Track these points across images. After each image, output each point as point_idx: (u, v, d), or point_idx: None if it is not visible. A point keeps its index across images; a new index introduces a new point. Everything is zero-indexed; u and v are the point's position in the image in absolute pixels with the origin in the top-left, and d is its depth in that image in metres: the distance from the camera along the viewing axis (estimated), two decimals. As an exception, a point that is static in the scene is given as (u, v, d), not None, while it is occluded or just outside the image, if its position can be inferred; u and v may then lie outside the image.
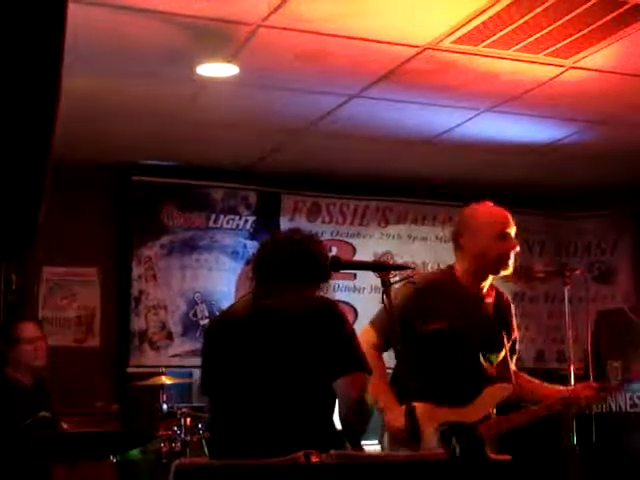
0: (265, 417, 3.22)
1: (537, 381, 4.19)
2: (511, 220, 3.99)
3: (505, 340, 4.00)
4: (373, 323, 3.95)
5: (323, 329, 3.22)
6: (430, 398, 3.70)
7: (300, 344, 3.21)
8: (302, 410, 3.21)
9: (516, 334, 4.16)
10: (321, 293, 3.46)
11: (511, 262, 3.95)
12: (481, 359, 3.91)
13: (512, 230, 3.96)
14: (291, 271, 3.36)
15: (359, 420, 3.24)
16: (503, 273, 3.99)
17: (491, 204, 4.08)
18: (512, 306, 4.22)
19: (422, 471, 2.58)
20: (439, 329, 3.82)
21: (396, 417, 3.56)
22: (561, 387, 4.11)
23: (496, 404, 3.88)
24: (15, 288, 6.43)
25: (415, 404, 3.21)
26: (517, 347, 4.15)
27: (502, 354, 3.98)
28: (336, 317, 3.29)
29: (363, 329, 3.96)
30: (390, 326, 3.24)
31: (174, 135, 6.27)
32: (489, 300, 4.02)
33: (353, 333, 3.29)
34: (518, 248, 3.96)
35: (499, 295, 4.13)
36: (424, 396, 3.58)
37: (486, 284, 3.99)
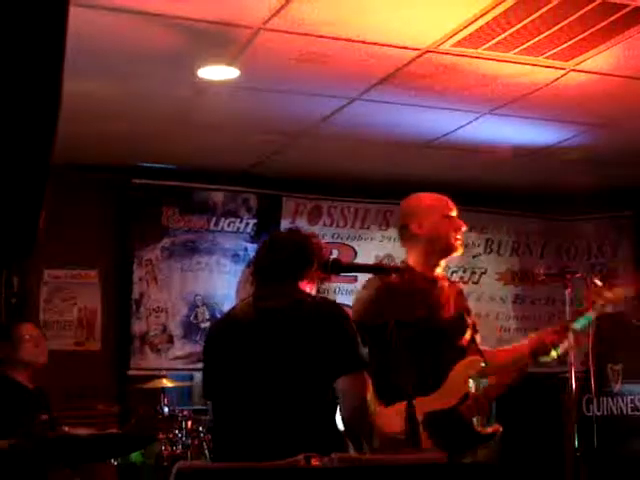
0: (268, 419, 3.21)
1: (507, 348, 4.13)
2: (452, 203, 4.12)
3: (468, 320, 3.97)
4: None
5: (325, 329, 3.23)
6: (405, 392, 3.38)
7: (302, 345, 3.21)
8: (304, 411, 3.21)
9: (473, 317, 4.08)
10: (323, 295, 3.48)
11: (460, 243, 4.00)
12: (450, 342, 3.83)
13: (455, 213, 4.07)
14: (289, 270, 3.36)
15: (361, 420, 3.24)
16: (455, 254, 4.03)
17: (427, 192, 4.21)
18: (463, 291, 4.20)
19: (423, 474, 2.58)
20: (407, 320, 3.56)
21: (389, 421, 3.45)
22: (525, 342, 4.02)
23: (469, 378, 3.76)
24: (16, 291, 6.44)
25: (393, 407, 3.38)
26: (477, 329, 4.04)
27: (468, 334, 3.92)
28: (338, 317, 3.29)
29: None
30: (393, 326, 3.24)
31: (175, 138, 6.27)
32: (445, 284, 4.00)
33: (355, 333, 3.30)
34: (465, 228, 4.06)
35: (450, 282, 4.13)
36: (400, 392, 3.35)
37: (439, 270, 3.98)
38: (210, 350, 3.48)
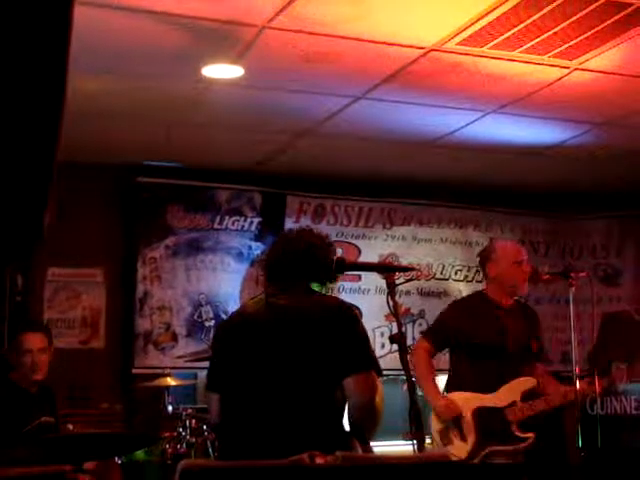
0: (274, 415, 3.22)
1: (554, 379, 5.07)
2: (523, 249, 5.07)
3: (532, 342, 4.91)
4: (424, 333, 5.15)
5: (336, 329, 3.23)
6: (470, 389, 4.75)
7: (312, 343, 3.22)
8: (310, 409, 3.21)
9: (541, 341, 5.13)
10: (328, 293, 3.50)
11: (526, 285, 4.91)
12: (512, 357, 4.79)
13: (525, 258, 4.95)
14: (301, 270, 3.37)
15: (368, 420, 3.24)
16: (521, 294, 4.98)
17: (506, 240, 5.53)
18: (537, 315, 5.18)
19: (427, 472, 2.58)
20: (479, 336, 4.79)
21: (438, 400, 4.78)
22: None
23: (522, 393, 4.72)
24: (21, 289, 6.44)
25: (455, 394, 4.76)
26: (544, 349, 5.21)
27: (529, 353, 4.88)
28: (349, 318, 3.30)
29: (417, 340, 5.29)
30: (398, 326, 3.25)
31: (179, 136, 6.27)
32: (515, 311, 4.94)
33: (365, 334, 3.30)
34: (529, 269, 4.90)
35: (525, 307, 5.11)
36: (466, 387, 4.76)
37: (510, 299, 4.95)
38: (221, 344, 3.48)
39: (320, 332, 3.22)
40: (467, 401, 4.74)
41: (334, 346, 3.19)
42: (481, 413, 4.70)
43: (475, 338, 4.80)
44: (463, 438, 4.69)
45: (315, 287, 3.40)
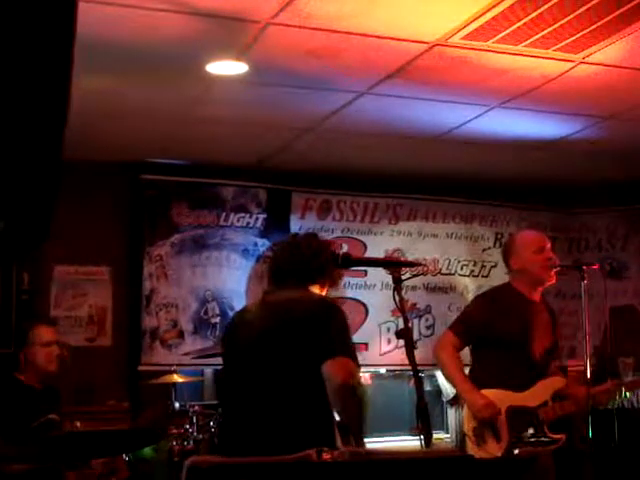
0: (257, 408, 3.29)
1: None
2: (543, 236, 4.98)
3: (556, 338, 4.95)
4: (450, 327, 4.95)
5: (316, 320, 3.35)
6: (498, 385, 4.65)
7: (294, 335, 3.34)
8: (293, 400, 3.27)
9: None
10: (332, 292, 3.61)
11: (552, 273, 4.81)
12: (538, 354, 4.77)
13: (547, 246, 4.88)
14: (301, 275, 3.48)
15: (347, 405, 3.25)
16: (548, 284, 4.88)
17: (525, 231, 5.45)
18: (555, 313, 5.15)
19: (435, 468, 2.58)
20: (506, 331, 4.70)
21: (478, 398, 4.61)
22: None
23: (553, 393, 4.70)
24: (27, 287, 6.45)
25: (486, 391, 4.60)
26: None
27: (554, 350, 4.91)
28: (330, 310, 3.42)
29: (443, 334, 5.06)
30: (405, 321, 3.26)
31: (184, 133, 6.28)
32: (542, 306, 4.91)
33: (345, 325, 3.38)
34: (552, 257, 4.84)
35: (546, 303, 5.03)
36: (492, 384, 4.66)
37: (538, 294, 4.89)
38: (222, 342, 3.70)
39: (301, 324, 3.34)
40: (500, 399, 4.64)
41: (313, 335, 3.29)
42: (514, 412, 4.62)
43: (502, 332, 4.70)
44: (497, 437, 4.60)
45: (316, 288, 3.54)
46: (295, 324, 3.35)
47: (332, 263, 3.53)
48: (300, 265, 3.51)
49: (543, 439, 4.59)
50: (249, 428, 3.30)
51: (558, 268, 4.84)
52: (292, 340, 3.33)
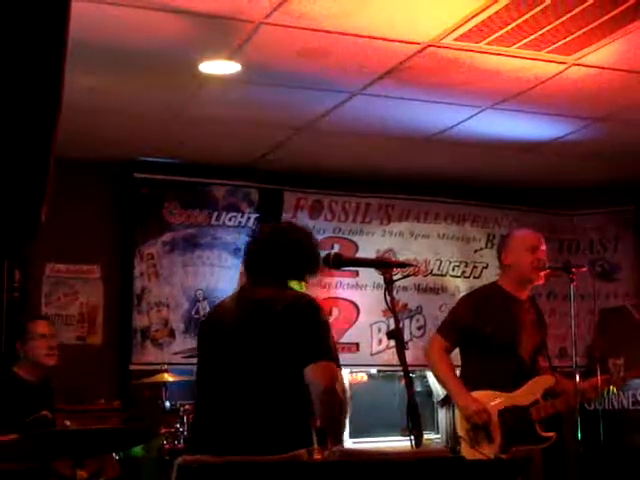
0: (233, 408, 3.25)
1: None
2: (540, 237, 4.91)
3: (544, 337, 4.91)
4: (438, 330, 4.92)
5: (296, 320, 3.27)
6: (488, 386, 4.65)
7: (273, 335, 3.26)
8: (271, 401, 3.23)
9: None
10: (318, 288, 3.53)
11: (542, 273, 4.78)
12: (526, 353, 4.76)
13: (541, 247, 4.83)
14: (277, 265, 3.41)
15: (330, 410, 3.23)
16: (537, 283, 4.85)
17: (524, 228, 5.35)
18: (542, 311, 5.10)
19: (424, 469, 2.58)
20: (493, 331, 4.69)
21: (470, 404, 4.58)
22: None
23: (543, 392, 4.69)
24: (18, 285, 6.44)
25: (477, 392, 4.59)
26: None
27: (542, 349, 4.88)
28: (309, 309, 3.33)
29: (432, 337, 5.04)
30: (396, 322, 3.26)
31: (176, 132, 6.27)
32: (528, 304, 4.88)
33: (326, 325, 3.32)
34: (543, 259, 4.80)
35: (534, 301, 5.00)
36: (483, 385, 4.64)
37: (526, 293, 4.86)
38: (198, 339, 3.62)
39: (280, 323, 3.27)
40: (491, 400, 4.65)
41: (294, 337, 3.24)
42: (506, 413, 4.63)
43: (489, 333, 4.69)
44: (490, 439, 4.60)
45: (294, 283, 3.44)
46: (273, 322, 3.28)
47: (311, 252, 3.47)
48: (278, 259, 3.44)
49: (535, 438, 4.61)
50: (223, 426, 3.26)
51: (547, 270, 4.83)
52: (270, 338, 3.25)
